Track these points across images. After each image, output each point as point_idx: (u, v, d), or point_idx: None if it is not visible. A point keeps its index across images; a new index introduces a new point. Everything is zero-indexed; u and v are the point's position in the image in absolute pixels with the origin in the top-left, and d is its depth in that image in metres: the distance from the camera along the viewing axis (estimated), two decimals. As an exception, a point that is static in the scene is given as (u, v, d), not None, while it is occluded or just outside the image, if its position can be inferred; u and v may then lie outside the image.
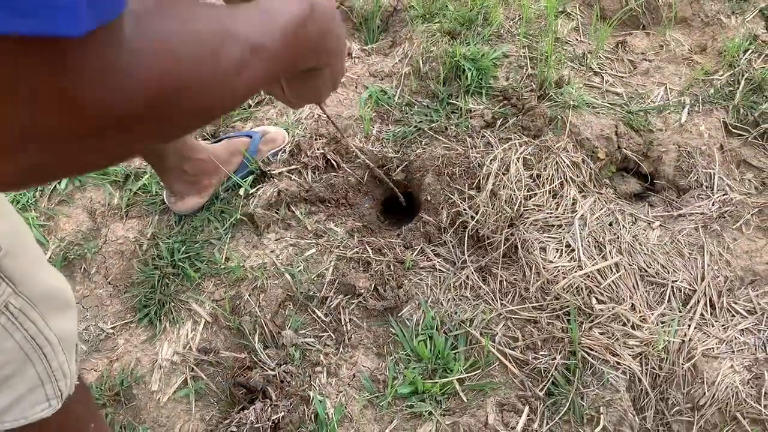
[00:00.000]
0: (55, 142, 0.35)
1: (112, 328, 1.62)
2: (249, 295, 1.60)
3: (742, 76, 2.01)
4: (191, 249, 1.70)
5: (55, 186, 1.82)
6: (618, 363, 1.48)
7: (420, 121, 1.92)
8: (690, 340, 1.53)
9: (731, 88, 2.00)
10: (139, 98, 0.36)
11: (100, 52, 0.34)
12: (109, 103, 0.35)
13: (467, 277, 1.64)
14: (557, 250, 1.64)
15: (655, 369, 1.50)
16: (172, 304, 1.63)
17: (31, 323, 0.74)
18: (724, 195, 1.78)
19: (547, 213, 1.70)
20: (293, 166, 1.85)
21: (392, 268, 1.64)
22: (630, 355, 1.49)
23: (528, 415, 1.43)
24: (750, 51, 2.07)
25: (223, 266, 1.66)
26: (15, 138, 0.34)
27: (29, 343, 0.75)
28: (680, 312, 1.58)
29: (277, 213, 1.75)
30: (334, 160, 1.85)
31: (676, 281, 1.61)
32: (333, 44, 0.60)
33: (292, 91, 0.65)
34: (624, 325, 1.53)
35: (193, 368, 1.53)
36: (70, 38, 0.31)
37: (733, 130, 1.93)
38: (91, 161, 0.41)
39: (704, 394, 1.47)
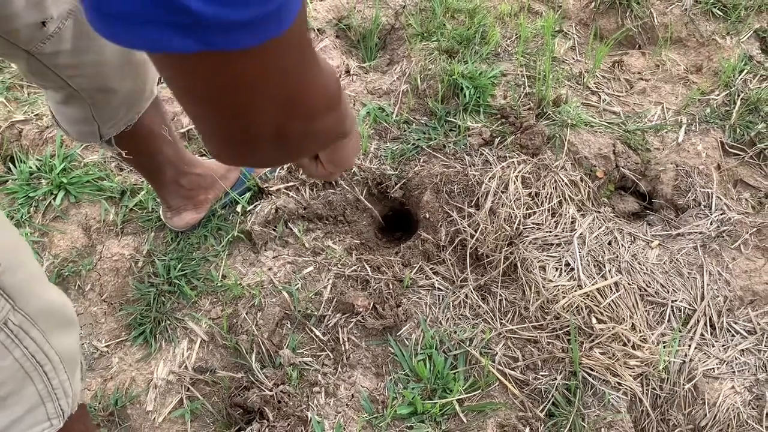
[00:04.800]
0: (307, 120, 0.47)
1: (106, 346, 1.60)
2: (246, 314, 1.58)
3: (738, 96, 2.02)
4: (188, 266, 1.68)
5: (50, 202, 1.80)
6: (619, 383, 1.47)
7: (418, 139, 1.92)
8: (690, 360, 1.52)
9: (727, 108, 2.02)
10: (332, 91, 0.50)
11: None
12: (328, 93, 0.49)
13: (466, 295, 1.63)
14: (557, 269, 1.63)
15: (656, 389, 1.49)
16: (168, 322, 1.61)
17: (30, 340, 0.73)
18: (722, 214, 1.78)
19: (546, 231, 1.69)
20: (291, 183, 1.84)
21: (391, 286, 1.63)
22: (631, 376, 1.48)
23: (529, 437, 1.42)
24: (745, 71, 2.09)
25: (219, 284, 1.64)
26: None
27: (29, 361, 0.73)
28: (680, 332, 1.57)
29: (274, 230, 1.73)
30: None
31: (675, 301, 1.61)
32: (352, 111, 0.68)
33: (330, 162, 0.71)
34: (624, 344, 1.52)
35: (189, 388, 1.51)
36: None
37: (730, 150, 1.94)
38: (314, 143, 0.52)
39: (705, 415, 1.46)
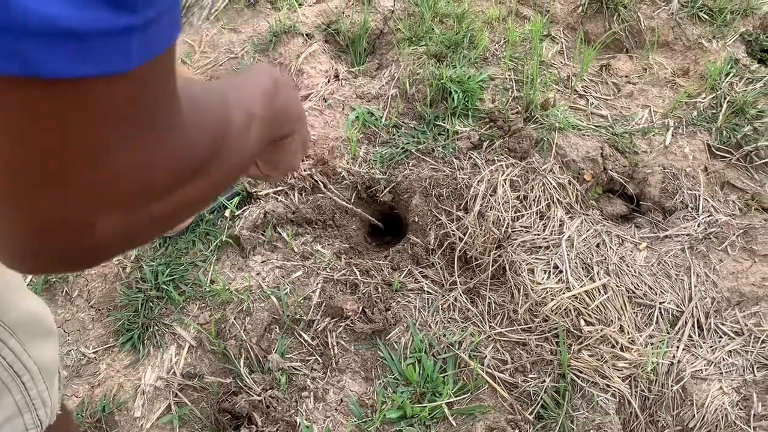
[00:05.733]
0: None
1: (94, 352, 1.59)
2: (234, 319, 1.58)
3: (725, 99, 2.03)
4: (176, 271, 1.68)
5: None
6: (607, 385, 1.47)
7: (407, 143, 1.92)
8: (679, 361, 1.53)
9: (714, 111, 2.03)
10: (204, 144, 0.39)
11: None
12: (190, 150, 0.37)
13: (455, 299, 1.63)
14: (545, 271, 1.64)
15: (644, 391, 1.49)
16: (156, 327, 1.60)
17: (8, 350, 0.72)
18: (709, 216, 1.79)
19: (535, 234, 1.70)
20: (280, 188, 1.83)
21: (380, 290, 1.62)
22: (619, 378, 1.48)
23: (518, 440, 1.42)
24: (731, 74, 2.11)
25: (208, 289, 1.64)
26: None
27: (6, 371, 0.72)
28: (668, 333, 1.57)
29: (263, 235, 1.73)
30: (321, 182, 1.84)
31: (663, 302, 1.62)
32: (297, 110, 0.64)
33: (268, 164, 0.67)
34: (613, 347, 1.52)
35: (177, 393, 1.50)
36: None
37: (717, 152, 1.95)
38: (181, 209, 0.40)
39: (694, 416, 1.46)
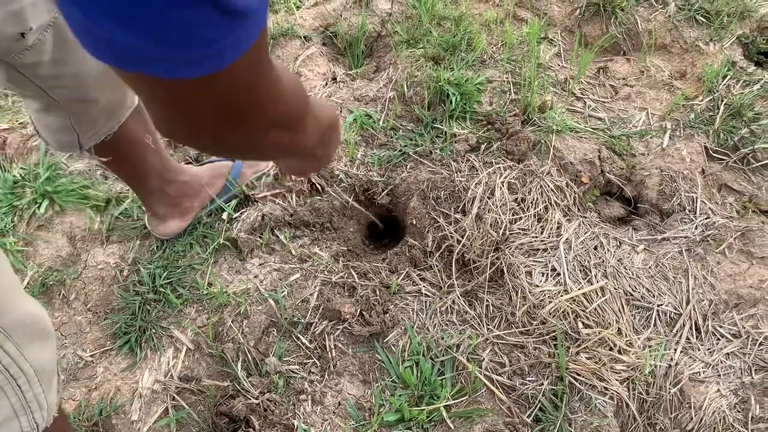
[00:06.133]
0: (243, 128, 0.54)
1: (91, 355, 1.58)
2: (232, 322, 1.58)
3: (722, 101, 2.04)
4: (173, 274, 1.67)
5: (35, 211, 1.79)
6: (605, 388, 1.47)
7: (405, 145, 1.92)
8: (676, 364, 1.53)
9: (711, 113, 2.03)
10: (281, 115, 0.59)
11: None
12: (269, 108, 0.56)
13: (453, 301, 1.63)
14: (543, 274, 1.64)
15: (642, 394, 1.49)
16: (153, 330, 1.60)
17: (4, 353, 0.72)
18: (706, 219, 1.79)
19: (533, 237, 1.70)
20: (277, 190, 1.83)
21: (378, 292, 1.62)
22: (617, 380, 1.48)
23: (516, 442, 1.41)
24: (728, 77, 2.11)
25: (205, 292, 1.64)
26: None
27: (2, 374, 0.72)
28: (666, 336, 1.57)
29: (260, 237, 1.73)
30: (319, 184, 1.84)
31: (661, 305, 1.62)
32: (333, 146, 0.83)
33: (283, 164, 0.89)
34: (611, 349, 1.52)
35: (174, 397, 1.50)
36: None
37: (714, 155, 1.95)
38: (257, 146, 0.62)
39: (692, 419, 1.46)
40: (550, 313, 1.55)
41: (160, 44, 0.38)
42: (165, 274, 1.67)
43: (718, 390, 1.50)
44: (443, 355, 1.53)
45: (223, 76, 0.44)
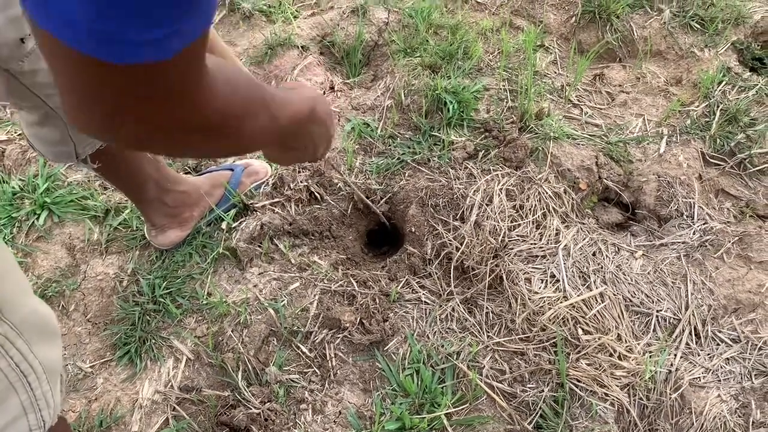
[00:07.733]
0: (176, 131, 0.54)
1: (90, 366, 1.58)
2: (232, 331, 1.58)
3: (717, 107, 2.05)
4: (173, 284, 1.67)
5: (33, 222, 1.79)
6: (606, 394, 1.47)
7: (403, 153, 1.92)
8: (677, 369, 1.53)
9: (707, 119, 2.04)
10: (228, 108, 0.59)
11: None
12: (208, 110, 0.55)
13: (453, 309, 1.63)
14: (542, 280, 1.64)
15: (642, 399, 1.49)
16: (153, 341, 1.59)
17: (16, 350, 0.72)
18: (704, 224, 1.80)
19: (531, 243, 1.70)
20: (276, 199, 1.84)
21: (377, 301, 1.62)
22: (618, 386, 1.48)
23: (517, 450, 1.41)
24: (724, 83, 2.12)
25: (205, 302, 1.63)
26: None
27: (14, 371, 0.73)
28: (666, 341, 1.58)
29: (260, 247, 1.73)
30: (318, 193, 1.84)
31: (660, 311, 1.62)
32: (317, 137, 0.87)
33: (270, 156, 0.93)
34: (611, 355, 1.52)
35: (174, 407, 1.49)
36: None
37: (711, 160, 1.96)
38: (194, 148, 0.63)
39: (692, 424, 1.46)
40: (549, 320, 1.55)
41: (109, 19, 0.38)
42: (164, 284, 1.67)
43: (719, 395, 1.50)
44: (443, 363, 1.53)
45: (160, 67, 0.44)
